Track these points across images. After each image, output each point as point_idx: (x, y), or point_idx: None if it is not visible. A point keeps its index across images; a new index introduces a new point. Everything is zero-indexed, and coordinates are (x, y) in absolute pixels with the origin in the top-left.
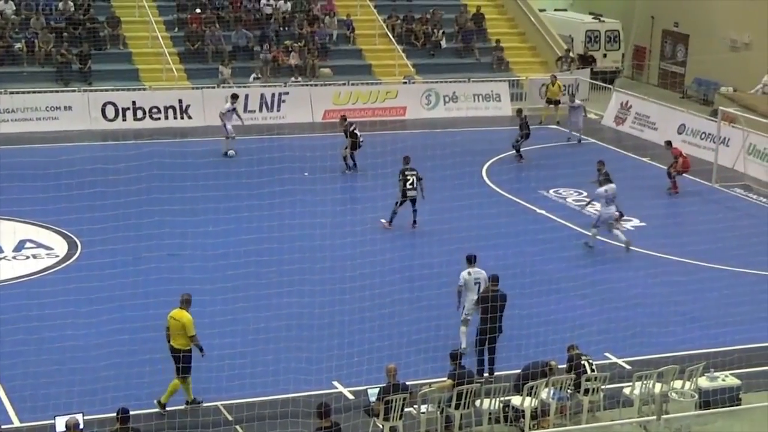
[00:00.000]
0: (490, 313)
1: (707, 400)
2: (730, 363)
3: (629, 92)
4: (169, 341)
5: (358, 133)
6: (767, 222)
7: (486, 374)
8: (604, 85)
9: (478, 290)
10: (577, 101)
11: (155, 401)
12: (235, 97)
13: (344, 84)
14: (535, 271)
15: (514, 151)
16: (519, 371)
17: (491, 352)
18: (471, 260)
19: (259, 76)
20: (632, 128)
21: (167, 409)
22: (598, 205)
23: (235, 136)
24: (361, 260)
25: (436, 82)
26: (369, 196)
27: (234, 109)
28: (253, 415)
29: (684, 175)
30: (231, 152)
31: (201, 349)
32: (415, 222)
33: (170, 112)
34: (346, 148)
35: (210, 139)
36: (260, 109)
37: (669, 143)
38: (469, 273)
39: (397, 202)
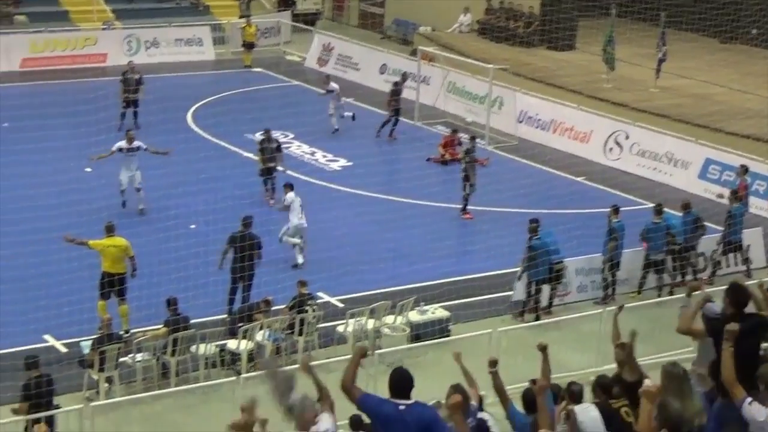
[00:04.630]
0: (248, 251)
1: (418, 333)
2: (438, 296)
3: (331, 33)
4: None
5: None
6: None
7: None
8: (306, 27)
9: None
10: (332, 84)
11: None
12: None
13: (41, 31)
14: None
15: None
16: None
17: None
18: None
19: None
20: (335, 69)
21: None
22: None
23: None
24: (67, 209)
25: (137, 27)
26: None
27: (332, 92)
28: None
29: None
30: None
31: (135, 269)
32: None
33: None
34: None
35: None
36: None
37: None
38: None
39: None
